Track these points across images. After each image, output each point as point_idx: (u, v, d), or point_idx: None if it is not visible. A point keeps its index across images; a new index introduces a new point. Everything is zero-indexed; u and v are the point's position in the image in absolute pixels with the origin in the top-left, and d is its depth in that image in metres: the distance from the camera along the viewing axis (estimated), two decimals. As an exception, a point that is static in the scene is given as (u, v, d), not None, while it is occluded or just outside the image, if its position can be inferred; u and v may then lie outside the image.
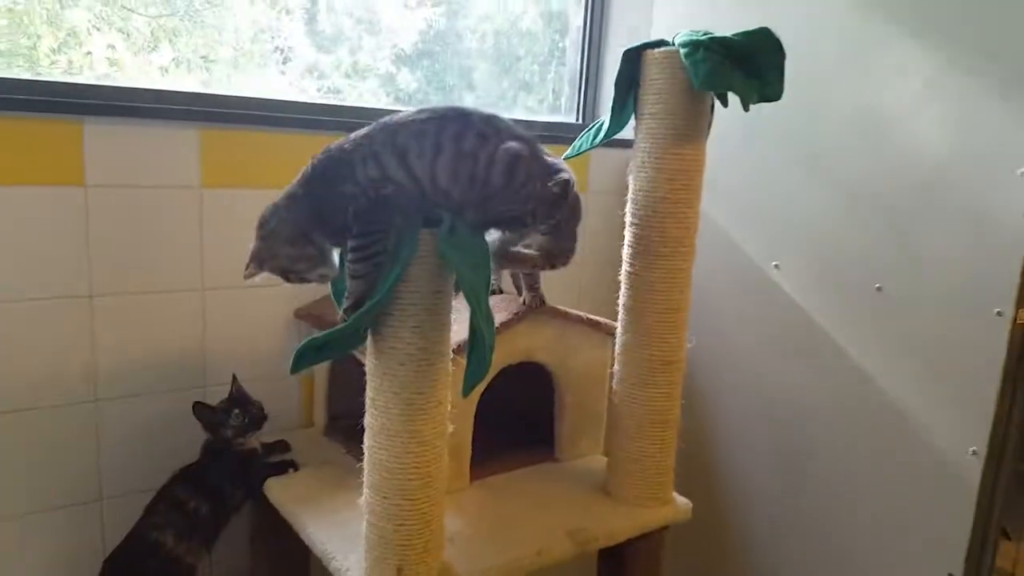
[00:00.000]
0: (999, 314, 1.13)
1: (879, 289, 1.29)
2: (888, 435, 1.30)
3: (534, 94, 1.74)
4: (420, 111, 0.86)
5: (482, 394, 1.14)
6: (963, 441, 1.19)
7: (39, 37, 1.17)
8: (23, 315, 1.10)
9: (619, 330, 1.13)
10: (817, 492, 1.43)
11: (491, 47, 1.65)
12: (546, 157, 0.90)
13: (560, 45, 1.74)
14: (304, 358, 0.85)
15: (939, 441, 1.22)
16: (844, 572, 1.39)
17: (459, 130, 0.83)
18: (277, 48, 1.40)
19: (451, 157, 0.82)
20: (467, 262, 0.83)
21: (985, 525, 1.20)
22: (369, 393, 0.91)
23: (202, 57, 1.32)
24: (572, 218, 1.03)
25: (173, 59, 1.29)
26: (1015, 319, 1.12)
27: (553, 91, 1.76)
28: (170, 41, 1.29)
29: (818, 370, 1.40)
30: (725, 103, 1.05)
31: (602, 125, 1.08)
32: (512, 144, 0.84)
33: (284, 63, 1.41)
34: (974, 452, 1.18)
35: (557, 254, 1.03)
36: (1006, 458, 1.18)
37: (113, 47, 1.25)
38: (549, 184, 0.87)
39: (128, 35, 1.25)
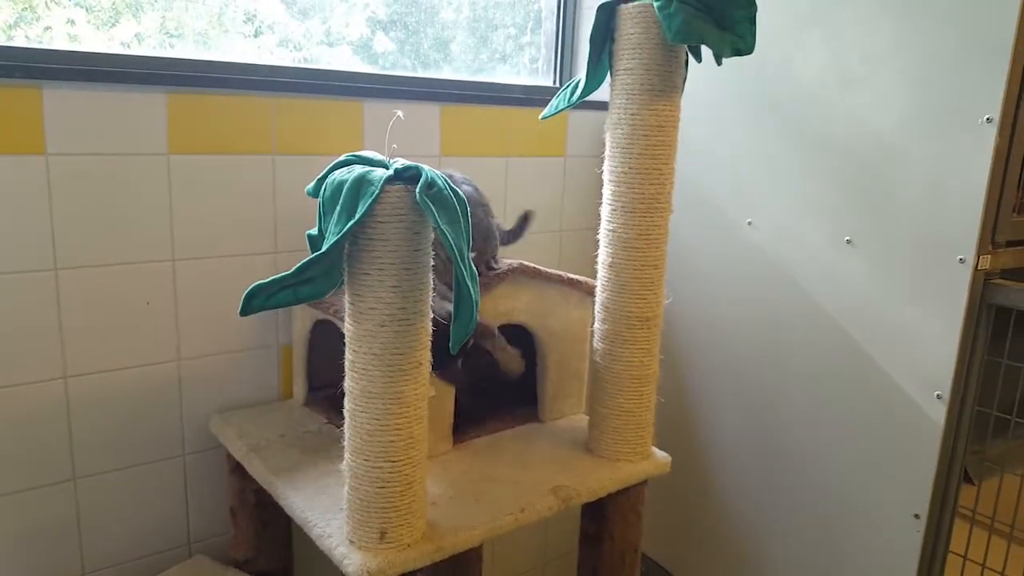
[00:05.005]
0: (961, 261, 1.16)
1: (848, 242, 1.31)
2: (857, 383, 1.34)
3: (509, 63, 1.72)
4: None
5: (463, 358, 1.14)
6: (928, 385, 1.23)
7: (-7, 11, 1.12)
8: (-14, 290, 1.06)
9: (599, 288, 1.13)
10: (789, 440, 1.47)
11: (467, 18, 1.62)
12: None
13: (536, 8, 1.72)
14: (254, 301, 0.83)
15: (906, 386, 1.26)
16: (818, 516, 1.43)
17: None
18: (248, 19, 1.35)
19: None
20: (445, 217, 0.82)
21: (949, 466, 1.24)
22: (348, 356, 0.90)
23: (167, 33, 1.27)
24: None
25: (136, 34, 1.25)
26: (976, 266, 1.15)
27: (529, 59, 1.74)
28: (134, 15, 1.24)
29: (789, 323, 1.43)
30: (699, 58, 1.05)
31: (578, 83, 1.07)
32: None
33: (256, 36, 1.37)
34: (939, 396, 1.21)
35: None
36: (968, 401, 1.22)
37: (73, 21, 1.20)
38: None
39: (89, 9, 1.21)
